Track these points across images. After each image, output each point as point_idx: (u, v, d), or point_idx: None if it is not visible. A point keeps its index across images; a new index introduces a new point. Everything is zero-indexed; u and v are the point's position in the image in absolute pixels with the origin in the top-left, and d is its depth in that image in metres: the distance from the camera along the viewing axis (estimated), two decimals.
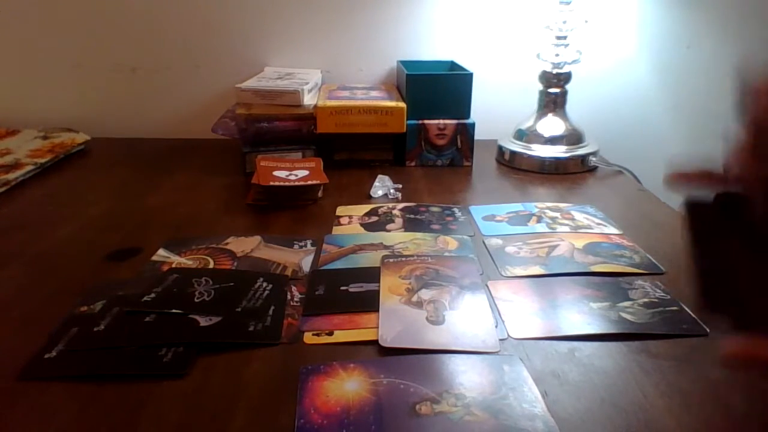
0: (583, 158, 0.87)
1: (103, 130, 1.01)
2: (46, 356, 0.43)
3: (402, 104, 0.85)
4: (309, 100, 0.87)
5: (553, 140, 0.88)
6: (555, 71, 0.87)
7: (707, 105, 0.98)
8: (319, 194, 0.76)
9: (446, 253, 0.60)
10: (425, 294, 0.52)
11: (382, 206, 0.73)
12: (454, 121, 0.87)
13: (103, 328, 0.46)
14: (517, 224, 0.68)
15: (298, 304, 0.51)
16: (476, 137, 0.88)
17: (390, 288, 0.53)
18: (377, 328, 0.47)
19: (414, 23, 1.00)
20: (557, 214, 0.71)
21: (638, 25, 1.01)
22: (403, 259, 0.58)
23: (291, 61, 1.01)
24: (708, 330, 0.47)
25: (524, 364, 0.43)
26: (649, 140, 1.05)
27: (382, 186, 0.78)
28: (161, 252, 0.60)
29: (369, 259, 0.59)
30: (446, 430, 0.36)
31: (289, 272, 0.56)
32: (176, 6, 0.98)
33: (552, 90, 0.88)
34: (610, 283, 0.54)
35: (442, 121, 0.87)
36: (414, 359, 0.43)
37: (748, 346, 0.35)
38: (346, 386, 0.40)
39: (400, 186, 0.79)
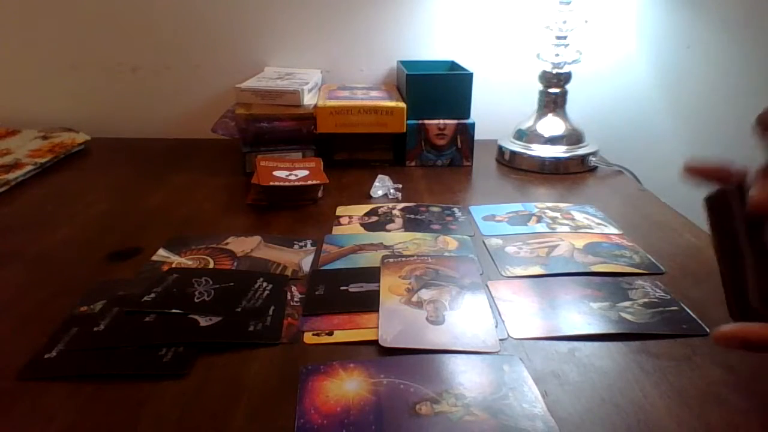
0: (583, 158, 0.87)
1: (103, 130, 1.01)
2: (46, 356, 0.43)
3: (402, 104, 0.85)
4: (309, 100, 0.87)
5: (553, 140, 0.88)
6: (555, 71, 0.87)
7: (707, 105, 0.98)
8: (319, 194, 0.76)
9: (446, 253, 0.60)
10: (425, 294, 0.52)
11: (382, 206, 0.73)
12: (454, 121, 0.87)
13: (103, 328, 0.46)
14: (517, 224, 0.68)
15: (298, 304, 0.51)
16: (476, 137, 0.88)
17: (390, 288, 0.53)
18: (377, 328, 0.47)
19: (414, 23, 1.00)
20: (557, 214, 0.71)
21: (638, 25, 1.01)
22: (403, 259, 0.58)
23: (291, 61, 1.01)
24: (708, 330, 0.47)
25: (524, 364, 0.43)
26: (649, 140, 1.05)
27: (382, 186, 0.78)
28: (161, 252, 0.60)
29: (369, 259, 0.59)
30: (446, 430, 0.36)
31: (289, 272, 0.56)
32: (176, 6, 0.98)
33: (552, 90, 0.88)
34: (610, 283, 0.54)
35: (442, 121, 0.87)
36: (414, 359, 0.43)
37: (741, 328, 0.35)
38: (346, 386, 0.40)
39: (400, 186, 0.79)
